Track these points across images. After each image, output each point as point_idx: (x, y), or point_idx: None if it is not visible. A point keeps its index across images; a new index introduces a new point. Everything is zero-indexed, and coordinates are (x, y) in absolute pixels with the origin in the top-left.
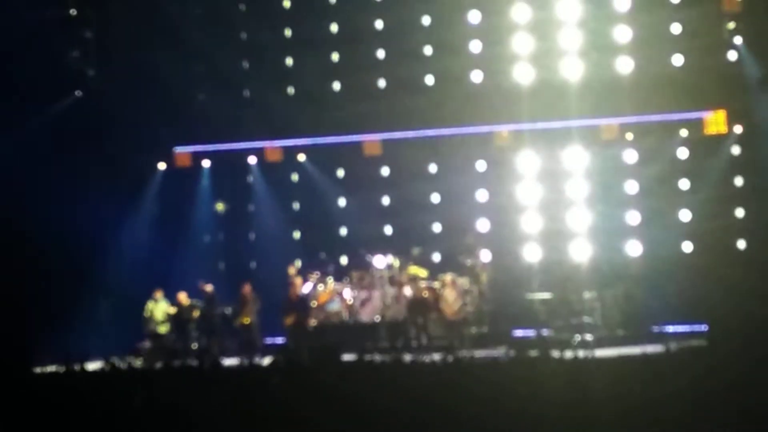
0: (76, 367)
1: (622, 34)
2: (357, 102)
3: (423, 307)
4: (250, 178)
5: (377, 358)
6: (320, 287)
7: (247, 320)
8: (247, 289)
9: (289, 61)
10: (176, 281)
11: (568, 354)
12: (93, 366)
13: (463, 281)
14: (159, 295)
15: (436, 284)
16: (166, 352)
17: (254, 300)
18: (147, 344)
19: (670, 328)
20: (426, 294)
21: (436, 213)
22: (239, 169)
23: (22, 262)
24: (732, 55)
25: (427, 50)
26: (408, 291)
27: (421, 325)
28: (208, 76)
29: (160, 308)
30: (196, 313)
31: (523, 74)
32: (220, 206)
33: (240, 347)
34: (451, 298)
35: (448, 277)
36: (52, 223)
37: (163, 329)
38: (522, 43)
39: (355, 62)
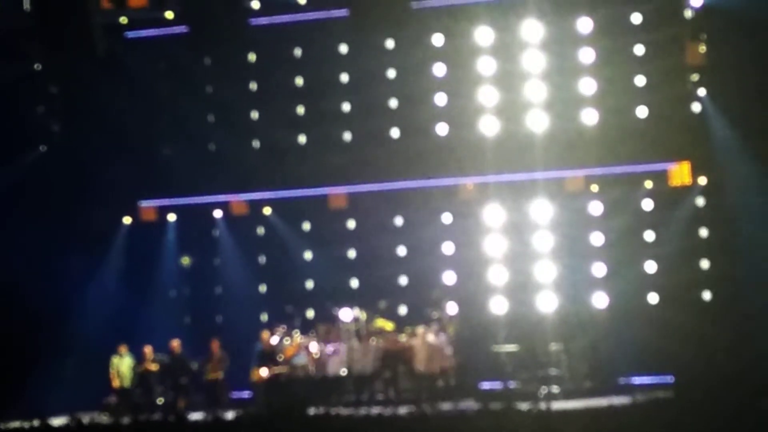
0: (41, 423)
1: (587, 86)
2: (322, 155)
3: (395, 359)
4: (216, 232)
5: (343, 411)
6: (286, 341)
7: (217, 375)
8: (215, 345)
9: (254, 115)
10: (142, 336)
11: (535, 406)
12: (59, 421)
13: (437, 334)
14: (124, 350)
15: (403, 337)
16: (132, 407)
17: (222, 356)
18: (113, 399)
19: (637, 380)
20: (399, 347)
21: (403, 266)
22: (205, 222)
23: None
24: (696, 107)
25: (393, 103)
26: (375, 344)
27: (390, 378)
28: (173, 129)
29: (125, 363)
30: (161, 368)
31: (488, 127)
32: (185, 260)
33: (206, 402)
34: (425, 351)
35: (421, 329)
36: (18, 279)
37: (128, 384)
38: (487, 96)
39: (320, 115)
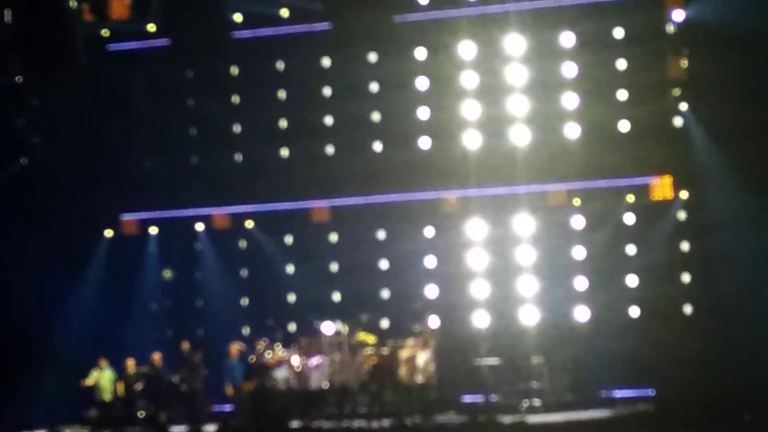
0: None
1: (569, 100)
2: (305, 168)
3: (382, 373)
4: (198, 245)
5: (325, 424)
6: (268, 354)
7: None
8: (192, 351)
9: (236, 128)
10: (124, 349)
11: (516, 419)
12: None
13: (419, 347)
14: (104, 363)
15: (386, 350)
16: (113, 421)
17: (201, 366)
18: (93, 412)
19: (618, 393)
20: (385, 360)
21: (385, 279)
22: (187, 236)
23: None
24: (678, 121)
25: (375, 116)
26: (361, 358)
27: (376, 391)
28: (155, 142)
29: (105, 376)
30: (141, 382)
31: (470, 140)
32: (167, 273)
33: (187, 415)
34: (414, 363)
35: (412, 341)
36: None
37: (109, 397)
38: (469, 110)
39: (302, 128)
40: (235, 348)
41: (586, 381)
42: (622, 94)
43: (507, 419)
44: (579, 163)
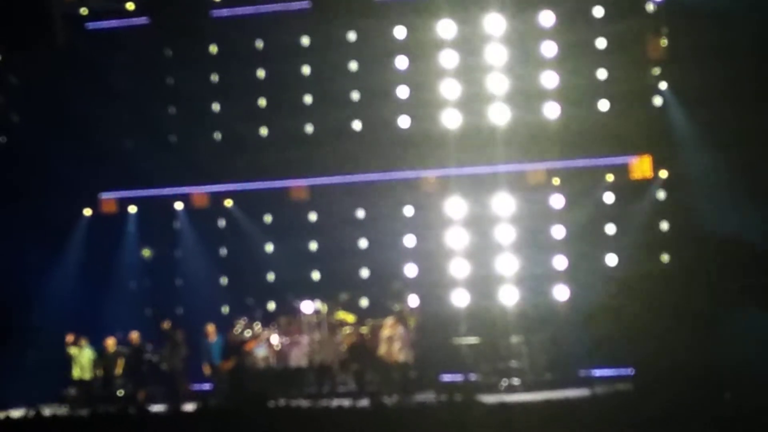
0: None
1: (549, 79)
2: (284, 147)
3: (363, 352)
4: (177, 224)
5: (304, 403)
6: (247, 333)
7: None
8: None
9: (215, 107)
10: (103, 328)
11: (496, 398)
12: (17, 413)
13: (399, 326)
14: (84, 342)
15: (366, 329)
16: (92, 399)
17: (181, 345)
18: (72, 391)
19: (597, 372)
20: (366, 339)
21: (364, 258)
22: (166, 214)
23: None
24: (657, 101)
25: (355, 95)
26: (342, 336)
27: (357, 370)
28: (134, 121)
29: (85, 355)
30: (122, 360)
31: (450, 120)
32: (146, 252)
33: (166, 394)
34: (388, 343)
35: (391, 320)
36: None
37: (88, 376)
38: (449, 89)
39: (282, 108)
40: (212, 329)
41: (564, 360)
42: (602, 73)
43: (486, 398)
44: (558, 143)
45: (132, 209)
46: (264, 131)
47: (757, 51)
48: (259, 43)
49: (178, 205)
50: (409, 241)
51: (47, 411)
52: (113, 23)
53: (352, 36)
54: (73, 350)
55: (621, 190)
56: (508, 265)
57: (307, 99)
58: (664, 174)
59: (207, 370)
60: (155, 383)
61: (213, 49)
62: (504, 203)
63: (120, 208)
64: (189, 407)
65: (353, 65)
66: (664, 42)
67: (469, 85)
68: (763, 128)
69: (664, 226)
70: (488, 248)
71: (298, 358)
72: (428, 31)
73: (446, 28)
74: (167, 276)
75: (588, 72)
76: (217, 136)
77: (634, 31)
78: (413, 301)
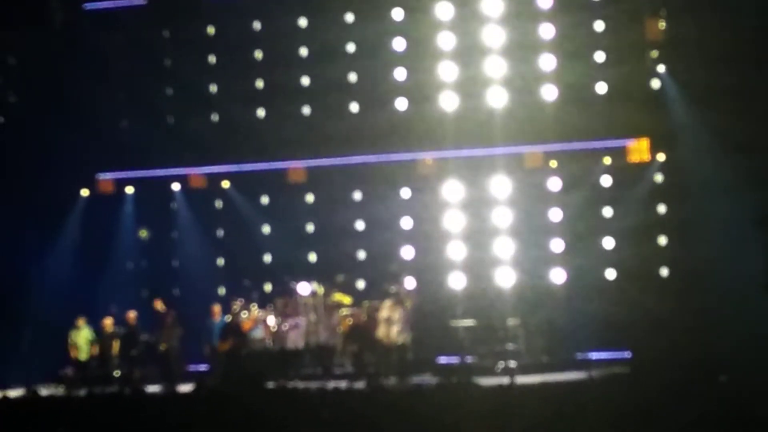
0: None
1: (547, 62)
2: (281, 129)
3: (362, 333)
4: (174, 205)
5: (301, 384)
6: (244, 314)
7: (169, 343)
8: (168, 310)
9: (213, 88)
10: (99, 308)
11: (492, 381)
12: (15, 393)
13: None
14: (81, 322)
15: (363, 311)
16: (89, 380)
17: (175, 326)
18: (69, 372)
19: (594, 355)
20: (364, 320)
21: (361, 240)
22: (163, 195)
23: None
24: (655, 84)
25: (352, 77)
26: (340, 318)
27: (356, 352)
28: (131, 102)
29: (82, 335)
30: (118, 341)
31: (447, 102)
32: (143, 233)
33: (162, 374)
34: (386, 325)
35: (388, 302)
36: None
37: (85, 356)
38: (447, 71)
39: (279, 89)
40: (218, 309)
41: (561, 343)
42: (600, 56)
43: (482, 381)
44: (556, 125)
45: (129, 190)
46: (261, 113)
47: (756, 34)
48: (257, 25)
49: (176, 186)
50: (406, 223)
51: (44, 391)
52: (111, 3)
53: (349, 17)
54: (71, 331)
55: (618, 173)
56: (505, 247)
57: (305, 81)
58: (661, 157)
59: (207, 350)
60: (151, 363)
61: (210, 30)
62: (501, 186)
63: (117, 188)
64: (185, 388)
65: (351, 47)
66: (662, 25)
67: (467, 67)
68: (762, 112)
69: (662, 209)
70: (485, 231)
71: (295, 339)
72: (426, 13)
73: (444, 9)
74: (164, 257)
75: (586, 55)
76: (215, 117)
77: (633, 13)
78: (410, 283)
